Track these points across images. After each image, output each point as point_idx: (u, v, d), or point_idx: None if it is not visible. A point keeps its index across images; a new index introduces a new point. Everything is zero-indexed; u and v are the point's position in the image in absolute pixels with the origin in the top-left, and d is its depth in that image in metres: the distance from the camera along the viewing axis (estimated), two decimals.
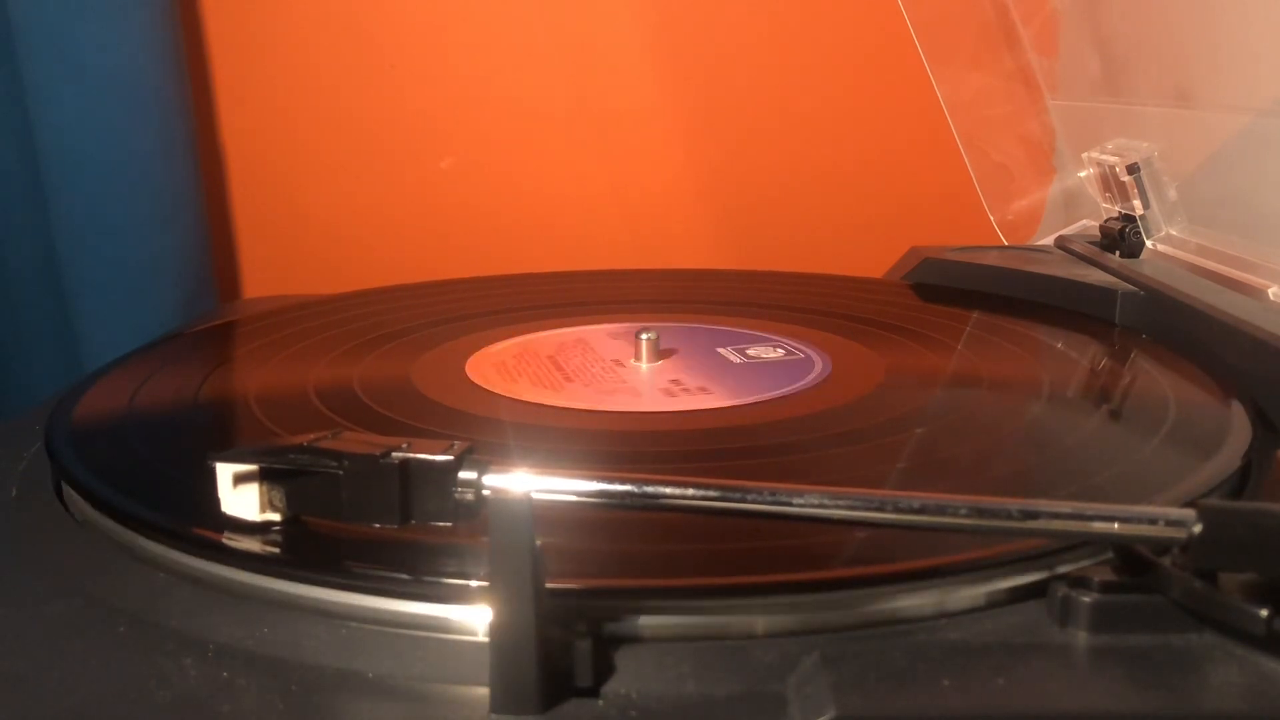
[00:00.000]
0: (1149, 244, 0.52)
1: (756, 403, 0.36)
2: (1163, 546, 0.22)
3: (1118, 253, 0.53)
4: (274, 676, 0.21)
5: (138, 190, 0.61)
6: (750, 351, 0.43)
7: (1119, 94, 0.54)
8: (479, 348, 0.43)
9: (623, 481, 0.22)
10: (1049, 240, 0.61)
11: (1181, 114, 0.49)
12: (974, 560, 0.23)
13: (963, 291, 0.53)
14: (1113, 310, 0.48)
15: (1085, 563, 0.24)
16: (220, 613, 0.23)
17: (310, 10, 0.68)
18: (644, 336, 0.41)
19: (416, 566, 0.23)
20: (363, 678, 0.21)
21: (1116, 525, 0.22)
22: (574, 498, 0.22)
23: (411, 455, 0.23)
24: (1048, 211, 0.62)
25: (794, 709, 0.20)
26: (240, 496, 0.24)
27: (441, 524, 0.23)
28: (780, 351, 0.43)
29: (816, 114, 0.71)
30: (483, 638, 0.22)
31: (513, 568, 0.20)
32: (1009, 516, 0.22)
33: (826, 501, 0.22)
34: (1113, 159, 0.54)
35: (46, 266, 0.63)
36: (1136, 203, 0.52)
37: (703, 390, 0.38)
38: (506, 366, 0.41)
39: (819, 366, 0.40)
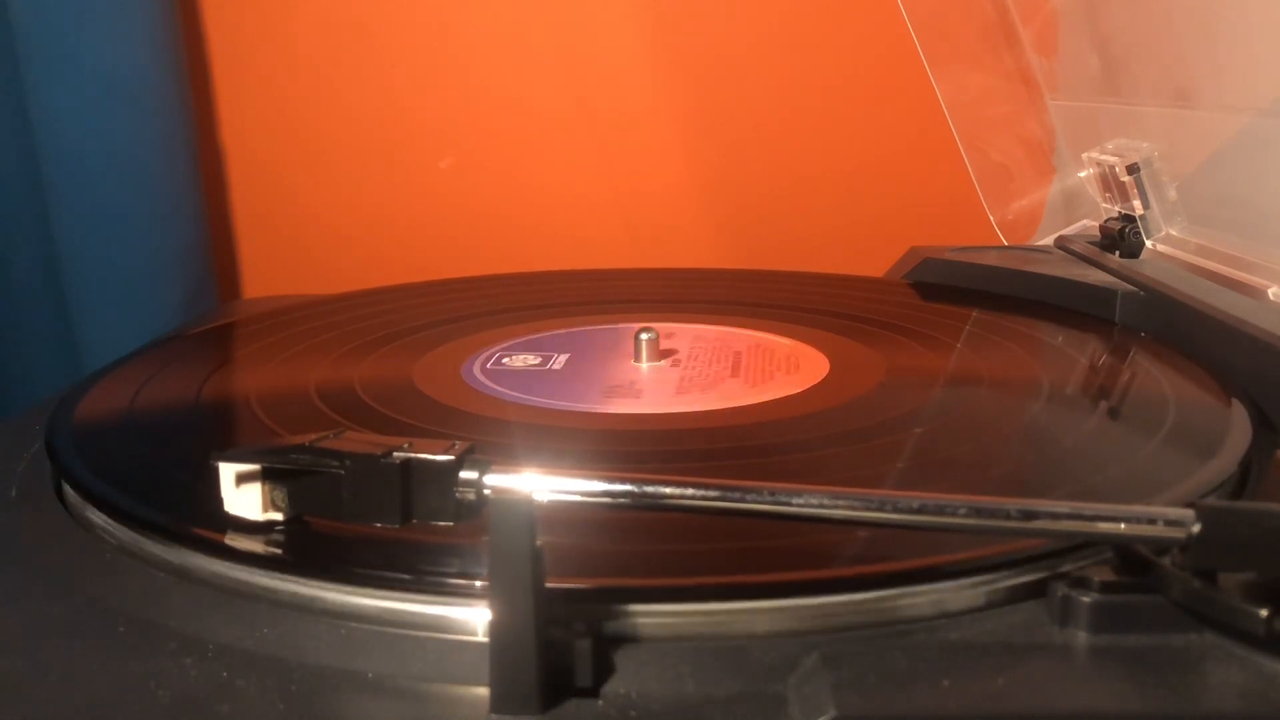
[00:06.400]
0: (1149, 244, 0.52)
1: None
2: (1162, 546, 0.22)
3: (1118, 253, 0.53)
4: (274, 676, 0.21)
5: (138, 190, 0.61)
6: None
7: (1119, 94, 0.54)
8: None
9: (623, 481, 0.22)
10: (1049, 240, 0.61)
11: (1181, 114, 0.49)
12: (974, 560, 0.23)
13: (962, 291, 0.53)
14: (1112, 310, 0.48)
15: (1085, 563, 0.24)
16: (220, 613, 0.23)
17: (310, 10, 0.68)
18: (644, 336, 0.41)
19: (417, 566, 0.23)
20: (363, 678, 0.21)
21: (1116, 525, 0.22)
22: (574, 497, 0.22)
23: (413, 455, 0.23)
24: (1048, 211, 0.62)
25: (794, 709, 0.20)
26: (243, 496, 0.24)
27: (443, 524, 0.23)
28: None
29: (816, 114, 0.71)
30: (483, 638, 0.22)
31: (513, 568, 0.20)
32: (1008, 516, 0.22)
33: (826, 501, 0.22)
34: (1113, 159, 0.54)
35: (46, 266, 0.63)
36: (1136, 203, 0.52)
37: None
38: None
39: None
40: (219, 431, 0.36)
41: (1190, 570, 0.21)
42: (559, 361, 0.42)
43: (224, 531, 0.25)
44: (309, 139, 0.70)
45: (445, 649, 0.22)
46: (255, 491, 0.24)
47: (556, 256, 0.69)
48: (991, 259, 0.56)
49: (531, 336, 0.45)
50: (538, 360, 0.42)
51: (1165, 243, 0.52)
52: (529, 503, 0.20)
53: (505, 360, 0.42)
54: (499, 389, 0.38)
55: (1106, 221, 0.55)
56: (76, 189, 0.60)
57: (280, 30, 0.69)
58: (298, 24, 0.69)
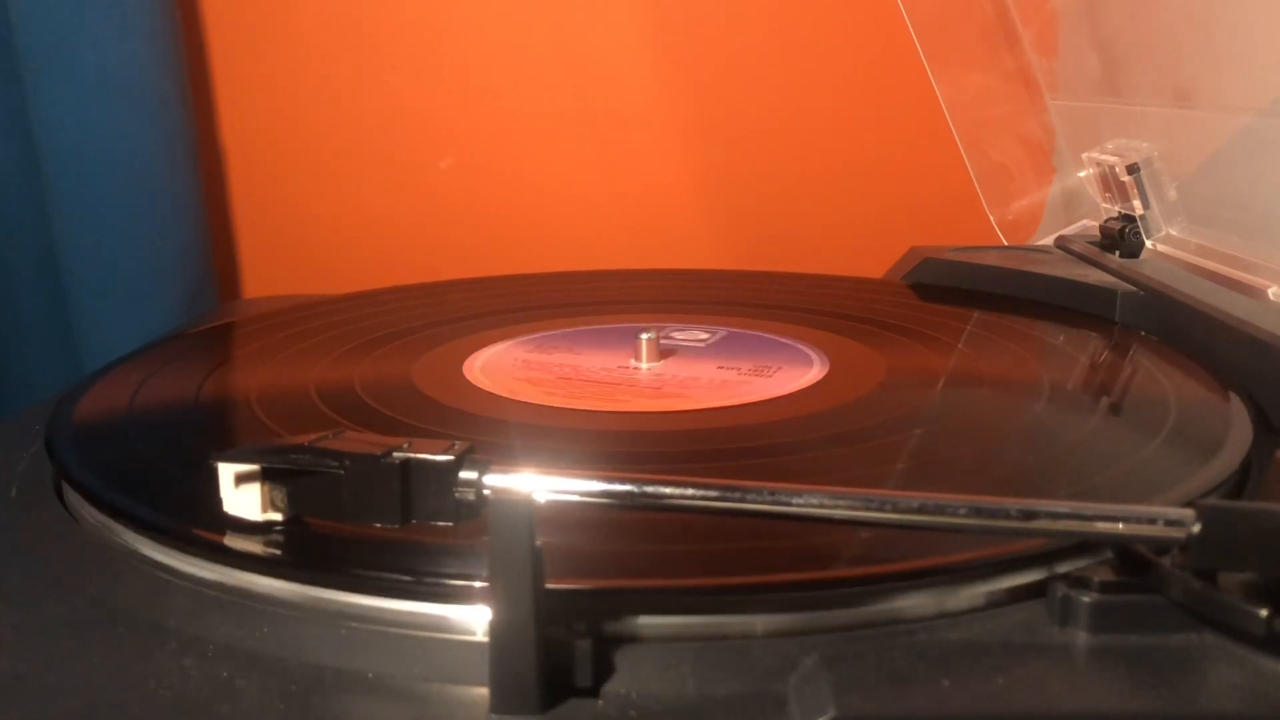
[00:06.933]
0: (1149, 244, 0.52)
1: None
2: (1162, 546, 0.22)
3: (1118, 253, 0.53)
4: (274, 676, 0.21)
5: (138, 190, 0.61)
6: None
7: (1119, 94, 0.54)
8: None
9: (623, 481, 0.22)
10: (1049, 240, 0.61)
11: (1181, 114, 0.49)
12: (974, 560, 0.23)
13: (963, 291, 0.53)
14: (1112, 310, 0.48)
15: (1085, 563, 0.24)
16: (220, 613, 0.23)
17: (310, 10, 0.68)
18: (644, 336, 0.41)
19: (417, 567, 0.23)
20: (363, 678, 0.21)
21: (1116, 525, 0.22)
22: (574, 497, 0.22)
23: (412, 455, 0.23)
24: (1048, 211, 0.62)
25: (794, 709, 0.20)
26: (242, 496, 0.24)
27: (442, 524, 0.23)
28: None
29: (816, 114, 0.71)
30: (483, 638, 0.22)
31: (513, 568, 0.20)
32: (1008, 516, 0.22)
33: (826, 501, 0.22)
34: (1113, 159, 0.54)
35: (46, 266, 0.63)
36: (1136, 203, 0.52)
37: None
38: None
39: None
40: (218, 431, 0.36)
41: (1190, 570, 0.21)
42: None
43: (223, 532, 0.25)
44: (309, 139, 0.70)
45: (445, 649, 0.22)
46: (254, 492, 0.24)
47: (556, 256, 0.69)
48: (991, 259, 0.56)
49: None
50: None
51: (1165, 243, 0.52)
52: (528, 503, 0.20)
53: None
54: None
55: (1106, 221, 0.55)
56: (76, 189, 0.60)
57: (280, 31, 0.69)
58: (298, 24, 0.69)
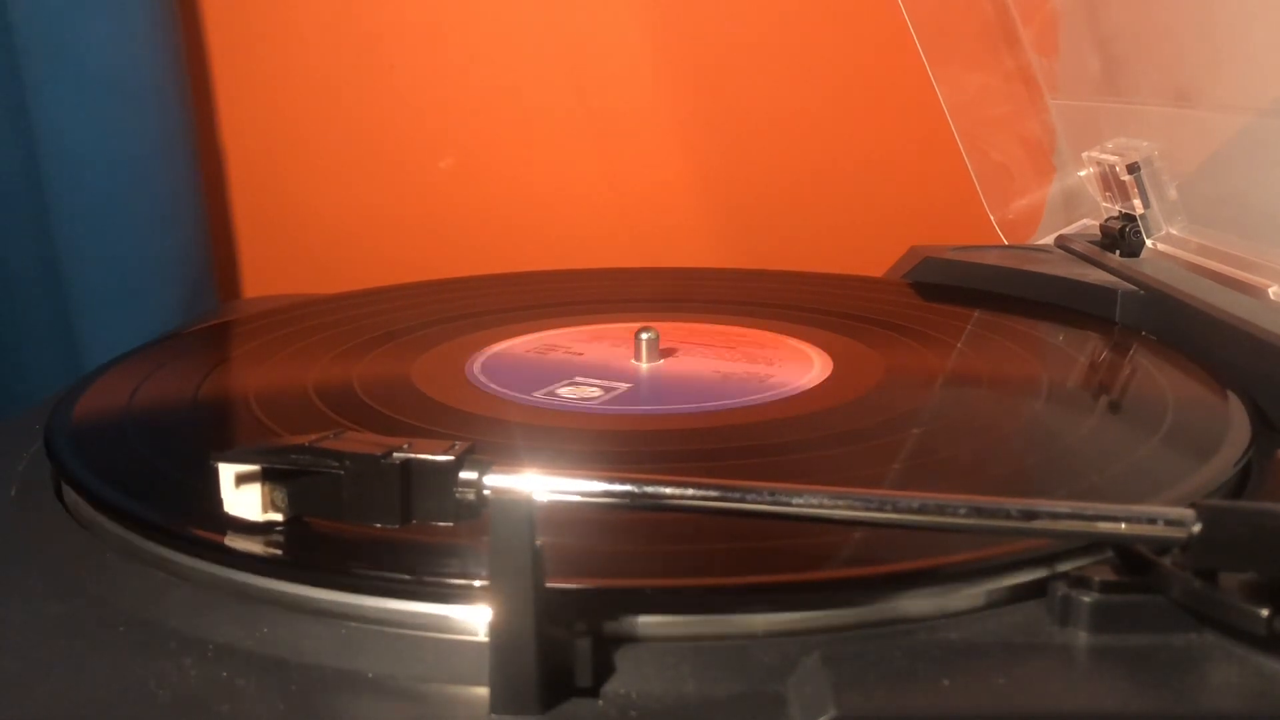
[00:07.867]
0: (1149, 243, 0.52)
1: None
2: (1162, 546, 0.22)
3: (1118, 252, 0.53)
4: (274, 676, 0.21)
5: (138, 190, 0.61)
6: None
7: (1119, 94, 0.54)
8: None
9: (623, 481, 0.22)
10: (1049, 240, 0.61)
11: (1181, 114, 0.49)
12: (974, 560, 0.23)
13: (963, 291, 0.53)
14: (1113, 309, 0.48)
15: (1085, 562, 0.24)
16: (220, 613, 0.23)
17: (310, 10, 0.68)
18: (644, 336, 0.41)
19: (417, 566, 0.23)
20: (363, 678, 0.21)
21: (1116, 525, 0.22)
22: (574, 497, 0.22)
23: (413, 455, 0.23)
24: (1048, 211, 0.62)
25: (794, 709, 0.20)
26: (242, 496, 0.24)
27: (442, 524, 0.23)
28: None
29: (816, 114, 0.71)
30: (483, 638, 0.22)
31: (513, 568, 0.20)
32: (1008, 516, 0.22)
33: (826, 501, 0.22)
34: (1113, 158, 0.54)
35: (46, 266, 0.63)
36: (1136, 202, 0.52)
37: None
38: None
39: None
40: (218, 431, 0.36)
41: (1191, 570, 0.21)
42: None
43: (224, 532, 0.25)
44: (309, 139, 0.70)
45: (445, 649, 0.22)
46: (255, 492, 0.24)
47: (556, 256, 0.69)
48: (992, 258, 0.56)
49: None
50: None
51: (1165, 242, 0.52)
52: (529, 503, 0.20)
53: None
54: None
55: (1107, 221, 0.55)
56: (76, 189, 0.60)
57: (280, 30, 0.69)
58: (298, 24, 0.69)
